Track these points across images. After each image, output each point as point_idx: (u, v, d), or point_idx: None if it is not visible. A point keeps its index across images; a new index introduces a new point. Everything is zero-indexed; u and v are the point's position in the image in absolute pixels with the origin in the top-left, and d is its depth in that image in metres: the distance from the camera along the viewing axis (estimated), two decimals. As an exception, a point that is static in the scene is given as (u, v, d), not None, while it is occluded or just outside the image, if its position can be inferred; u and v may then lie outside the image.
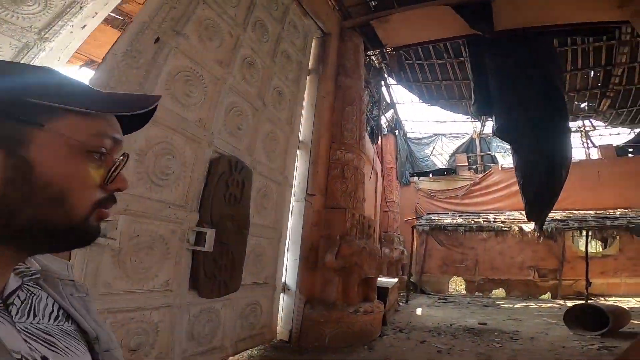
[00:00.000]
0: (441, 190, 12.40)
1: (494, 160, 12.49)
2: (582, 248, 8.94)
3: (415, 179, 13.02)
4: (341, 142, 5.55)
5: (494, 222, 9.42)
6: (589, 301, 7.54)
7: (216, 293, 3.22)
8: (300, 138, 5.19)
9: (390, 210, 11.78)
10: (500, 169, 11.36)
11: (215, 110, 3.27)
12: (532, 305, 8.72)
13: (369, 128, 10.34)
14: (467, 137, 13.04)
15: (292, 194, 5.03)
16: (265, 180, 4.23)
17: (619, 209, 9.55)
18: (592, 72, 8.62)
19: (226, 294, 3.34)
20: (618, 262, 9.80)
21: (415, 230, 9.92)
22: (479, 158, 12.71)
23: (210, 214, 3.14)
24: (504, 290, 10.78)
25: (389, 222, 11.62)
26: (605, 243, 10.65)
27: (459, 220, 10.02)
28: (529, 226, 8.04)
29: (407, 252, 10.88)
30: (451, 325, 5.97)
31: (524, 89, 5.94)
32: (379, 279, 8.19)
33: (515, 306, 8.51)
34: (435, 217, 10.80)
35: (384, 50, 7.68)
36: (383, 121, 12.19)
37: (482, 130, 12.61)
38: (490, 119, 8.35)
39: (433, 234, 11.17)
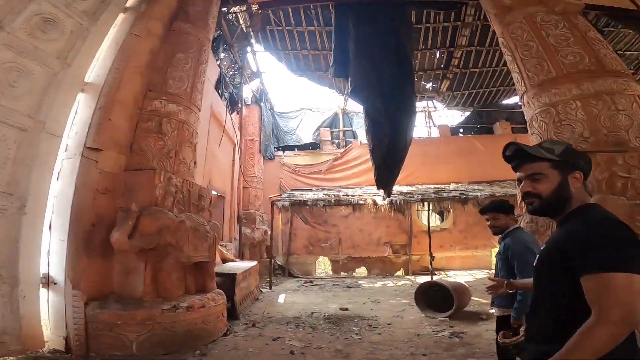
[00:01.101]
0: (306, 165, 12.05)
1: (355, 135, 12.77)
2: (426, 222, 9.71)
3: (281, 153, 12.39)
4: (162, 91, 4.51)
5: (352, 196, 9.40)
6: (434, 277, 8.14)
7: None
8: (89, 79, 3.98)
9: (252, 186, 10.81)
10: (359, 144, 11.61)
11: None
12: (389, 283, 9.09)
13: (227, 94, 9.23)
14: (332, 112, 13.01)
15: (64, 149, 3.49)
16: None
17: (452, 183, 10.76)
18: (438, 53, 9.20)
19: None
20: (453, 236, 11.08)
21: (275, 207, 9.15)
22: (341, 133, 12.82)
23: None
24: (365, 269, 11.11)
25: (250, 199, 10.63)
26: (442, 217, 11.95)
27: (320, 195, 9.71)
28: (381, 196, 8.14)
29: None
30: (312, 313, 5.64)
31: (380, 55, 6.09)
32: (229, 264, 7.17)
33: (375, 285, 8.74)
34: (297, 193, 10.29)
35: (250, 7, 7.04)
36: (249, 91, 11.38)
37: (346, 106, 12.70)
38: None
39: (297, 211, 10.70)
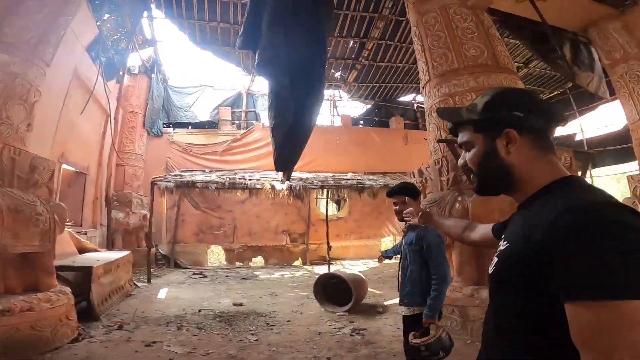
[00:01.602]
0: (200, 145, 10.86)
1: (257, 117, 12.07)
2: (324, 210, 9.69)
3: (171, 130, 10.91)
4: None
5: (249, 180, 8.74)
6: (332, 267, 8.08)
7: None
8: None
9: (129, 164, 9.19)
10: (262, 126, 10.99)
11: None
12: (287, 274, 8.77)
13: (103, 58, 7.70)
14: (236, 91, 12.04)
15: None
16: None
17: (349, 172, 11.04)
18: (351, 42, 9.15)
19: None
20: (348, 225, 11.35)
21: (157, 188, 7.85)
22: (243, 114, 11.97)
23: None
24: (262, 259, 10.58)
25: (125, 178, 9.00)
26: (339, 206, 12.19)
27: (213, 177, 8.76)
28: (280, 179, 7.73)
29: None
30: (200, 310, 4.95)
31: (295, 31, 5.46)
32: (88, 254, 5.82)
33: (272, 276, 8.33)
34: (187, 174, 9.11)
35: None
36: (137, 60, 9.82)
37: (252, 87, 11.93)
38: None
39: (186, 194, 9.51)
